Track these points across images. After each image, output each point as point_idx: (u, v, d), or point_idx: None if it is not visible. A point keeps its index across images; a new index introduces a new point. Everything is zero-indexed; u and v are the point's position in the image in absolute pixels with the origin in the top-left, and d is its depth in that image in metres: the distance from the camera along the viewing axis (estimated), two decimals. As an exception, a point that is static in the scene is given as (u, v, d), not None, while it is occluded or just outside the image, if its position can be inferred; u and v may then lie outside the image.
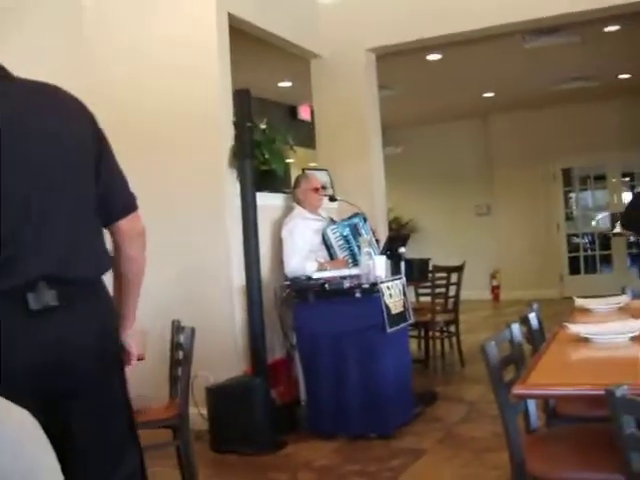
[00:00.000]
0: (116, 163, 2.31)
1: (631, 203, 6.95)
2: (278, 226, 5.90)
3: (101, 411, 2.14)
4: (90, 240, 2.16)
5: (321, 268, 5.61)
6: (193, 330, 3.99)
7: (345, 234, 5.89)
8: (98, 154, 2.19)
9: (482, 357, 2.68)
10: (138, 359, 2.54)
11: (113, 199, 2.25)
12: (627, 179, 13.39)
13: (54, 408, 1.98)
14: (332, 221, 6.04)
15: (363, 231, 5.97)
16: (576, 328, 2.98)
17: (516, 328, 3.10)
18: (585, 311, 3.84)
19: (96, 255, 2.16)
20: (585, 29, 8.00)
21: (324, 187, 6.10)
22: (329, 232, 5.84)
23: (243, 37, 6.22)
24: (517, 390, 2.29)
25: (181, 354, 4.07)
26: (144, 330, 4.29)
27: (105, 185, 2.20)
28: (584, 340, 2.87)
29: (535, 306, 3.59)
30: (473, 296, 11.53)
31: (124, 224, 2.27)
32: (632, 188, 13.46)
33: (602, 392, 1.92)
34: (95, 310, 2.13)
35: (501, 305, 12.80)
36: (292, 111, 11.52)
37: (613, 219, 12.54)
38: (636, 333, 2.84)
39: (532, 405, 2.95)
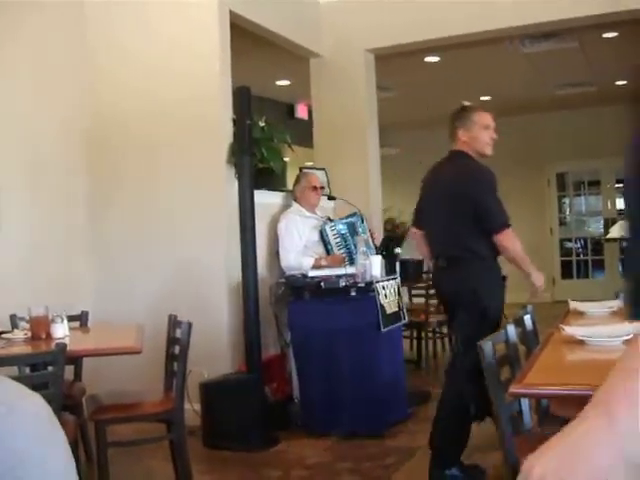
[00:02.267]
0: (489, 201, 4.06)
1: None
2: (275, 224, 5.92)
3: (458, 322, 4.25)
4: (459, 238, 4.11)
5: (317, 263, 5.64)
6: (190, 325, 4.01)
7: (343, 232, 5.91)
8: (473, 198, 4.04)
9: (478, 356, 2.71)
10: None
11: (485, 222, 4.04)
12: (621, 185, 13.42)
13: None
14: (329, 220, 6.07)
15: (360, 230, 5.99)
16: (571, 330, 3.01)
17: (511, 329, 3.13)
18: (579, 314, 3.87)
19: (460, 246, 4.10)
20: (583, 35, 8.05)
21: (322, 187, 6.11)
22: (327, 229, 5.87)
23: (242, 35, 6.24)
24: (514, 389, 2.31)
25: (177, 349, 4.09)
26: (140, 325, 4.33)
27: (479, 214, 4.03)
28: (579, 342, 2.90)
29: (529, 308, 3.63)
30: (466, 298, 11.53)
31: (495, 238, 4.04)
32: (625, 194, 13.49)
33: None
34: (457, 271, 4.13)
35: (493, 308, 12.81)
36: (289, 109, 11.53)
37: (606, 224, 12.59)
38: (630, 336, 2.87)
39: (526, 405, 2.98)
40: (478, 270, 4.10)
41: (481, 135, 4.22)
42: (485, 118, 4.27)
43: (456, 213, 4.09)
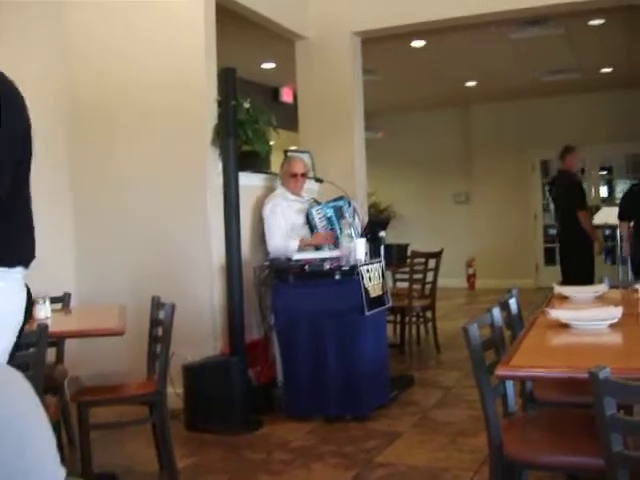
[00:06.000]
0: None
1: (623, 198, 7.46)
2: (259, 206, 5.89)
3: None
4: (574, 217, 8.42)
5: (303, 244, 5.62)
6: (173, 306, 3.98)
7: (329, 215, 5.87)
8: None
9: (463, 340, 2.69)
10: None
11: (577, 207, 8.48)
12: (605, 172, 13.47)
13: None
14: (316, 202, 6.04)
15: (347, 214, 5.96)
16: (557, 314, 3.01)
17: (497, 312, 3.12)
18: (563, 298, 3.87)
19: (574, 221, 8.39)
20: (570, 21, 8.04)
21: (303, 174, 5.99)
22: (314, 212, 5.84)
23: (227, 15, 6.18)
24: (500, 371, 2.30)
25: (160, 330, 4.07)
26: (122, 306, 4.30)
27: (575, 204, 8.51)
28: (564, 326, 2.90)
29: (514, 292, 3.62)
30: (449, 284, 11.57)
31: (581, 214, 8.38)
32: (609, 182, 13.55)
33: (585, 375, 1.94)
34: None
35: (476, 293, 12.88)
36: (274, 93, 11.47)
37: (590, 212, 12.60)
38: (615, 320, 2.87)
39: (511, 388, 2.97)
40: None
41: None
42: None
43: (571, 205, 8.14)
